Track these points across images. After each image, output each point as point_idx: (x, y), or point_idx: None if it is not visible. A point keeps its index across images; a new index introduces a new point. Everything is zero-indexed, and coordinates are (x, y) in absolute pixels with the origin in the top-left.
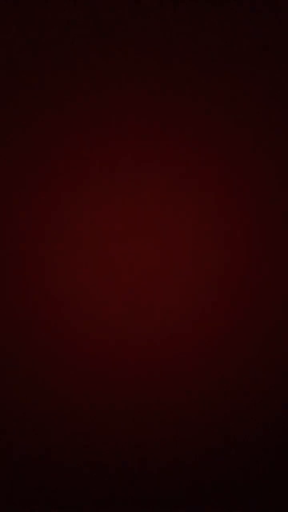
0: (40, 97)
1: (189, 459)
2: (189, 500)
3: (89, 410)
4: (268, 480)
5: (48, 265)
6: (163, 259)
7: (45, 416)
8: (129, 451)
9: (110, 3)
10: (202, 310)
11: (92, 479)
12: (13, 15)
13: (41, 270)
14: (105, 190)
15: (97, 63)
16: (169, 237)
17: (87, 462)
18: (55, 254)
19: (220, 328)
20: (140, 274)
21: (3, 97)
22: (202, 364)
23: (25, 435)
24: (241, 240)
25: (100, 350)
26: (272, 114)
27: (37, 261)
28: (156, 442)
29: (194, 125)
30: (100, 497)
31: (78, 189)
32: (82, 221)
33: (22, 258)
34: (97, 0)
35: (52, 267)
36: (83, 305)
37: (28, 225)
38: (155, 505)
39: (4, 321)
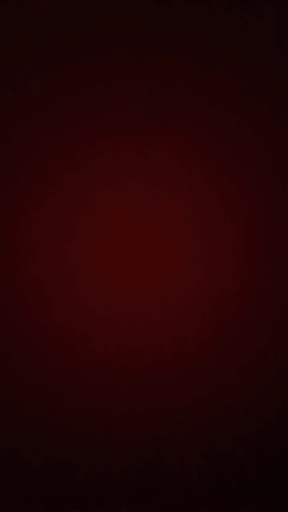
0: (40, 92)
1: (189, 460)
2: (190, 501)
3: (89, 413)
4: (269, 480)
5: (46, 265)
6: (163, 260)
7: (46, 419)
8: (129, 454)
9: (108, 2)
10: (203, 312)
11: (93, 481)
12: (13, 13)
13: (39, 271)
14: (105, 189)
15: (97, 61)
16: (170, 238)
17: (86, 464)
18: (53, 254)
19: (221, 329)
20: (140, 277)
21: (4, 93)
22: (203, 369)
23: (25, 438)
24: (242, 240)
25: (100, 355)
26: (274, 114)
27: (35, 261)
28: (156, 444)
29: (194, 122)
30: (101, 499)
31: (77, 190)
32: (81, 224)
33: (21, 259)
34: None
35: (50, 267)
36: (82, 308)
37: (25, 224)
38: (155, 506)
39: (3, 324)
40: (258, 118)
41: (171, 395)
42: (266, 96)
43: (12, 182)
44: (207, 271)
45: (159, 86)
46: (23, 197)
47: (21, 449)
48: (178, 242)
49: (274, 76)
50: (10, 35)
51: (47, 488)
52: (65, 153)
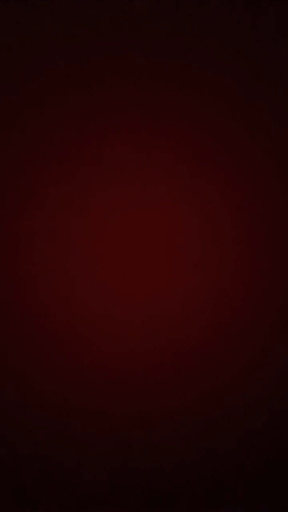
0: (40, 93)
1: (189, 459)
2: (189, 501)
3: (89, 413)
4: (269, 480)
5: (47, 266)
6: (163, 263)
7: (46, 419)
8: (129, 454)
9: (108, 2)
10: (203, 313)
11: (93, 481)
12: (13, 12)
13: (39, 273)
14: (105, 190)
15: (96, 60)
16: (170, 242)
17: (86, 464)
18: (54, 255)
19: (221, 329)
20: (140, 277)
21: (4, 93)
22: (203, 369)
23: (25, 438)
24: (242, 240)
25: (100, 355)
26: (274, 113)
27: (35, 263)
28: (156, 444)
29: (194, 122)
30: (101, 499)
31: (77, 190)
32: (80, 227)
33: (21, 260)
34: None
35: (50, 268)
36: (83, 309)
37: (25, 224)
38: (155, 506)
39: (3, 325)
40: (258, 118)
41: (171, 395)
42: (266, 96)
43: (12, 182)
44: (207, 271)
45: (159, 86)
46: (23, 197)
47: (21, 449)
48: (178, 242)
49: (275, 76)
50: (9, 35)
51: (47, 488)
52: (65, 153)
